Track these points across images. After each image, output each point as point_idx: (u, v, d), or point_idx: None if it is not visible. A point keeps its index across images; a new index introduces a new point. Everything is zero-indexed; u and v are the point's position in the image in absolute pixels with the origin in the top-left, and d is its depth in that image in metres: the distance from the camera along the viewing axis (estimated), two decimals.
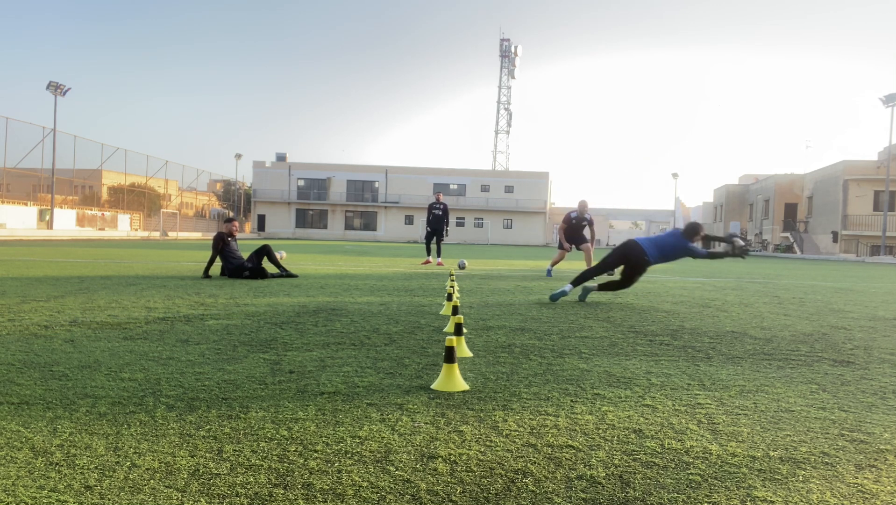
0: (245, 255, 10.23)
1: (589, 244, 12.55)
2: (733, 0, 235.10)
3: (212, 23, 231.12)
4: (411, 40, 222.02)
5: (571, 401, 2.97)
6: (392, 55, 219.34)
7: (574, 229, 12.54)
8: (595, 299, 7.85)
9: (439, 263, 15.02)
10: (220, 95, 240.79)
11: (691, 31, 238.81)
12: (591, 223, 12.58)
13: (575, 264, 14.34)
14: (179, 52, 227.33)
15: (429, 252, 15.58)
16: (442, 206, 15.19)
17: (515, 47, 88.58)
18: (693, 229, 7.54)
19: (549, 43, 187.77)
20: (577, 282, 7.74)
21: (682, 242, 7.48)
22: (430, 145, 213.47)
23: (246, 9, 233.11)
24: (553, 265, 13.03)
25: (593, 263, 7.88)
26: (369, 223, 73.29)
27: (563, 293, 7.58)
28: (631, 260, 7.56)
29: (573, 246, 12.62)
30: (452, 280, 7.48)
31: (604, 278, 9.56)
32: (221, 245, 9.80)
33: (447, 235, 15.44)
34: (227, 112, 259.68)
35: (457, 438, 2.40)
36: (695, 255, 7.47)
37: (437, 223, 15.20)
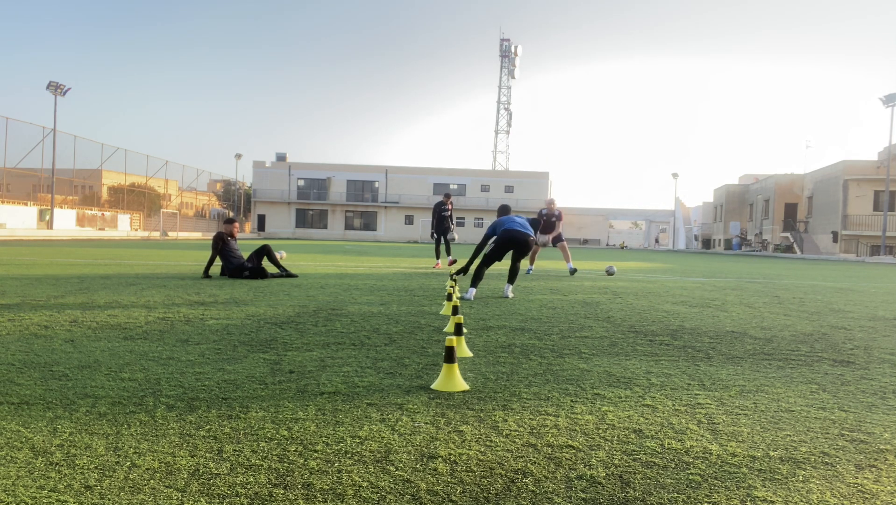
0: (245, 255, 10.23)
1: (564, 242, 13.52)
2: (735, 7, 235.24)
3: (213, 26, 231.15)
4: (411, 41, 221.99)
5: (571, 401, 2.97)
6: (392, 56, 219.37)
7: (546, 225, 13.51)
8: (601, 298, 7.84)
9: (452, 262, 14.34)
10: (221, 96, 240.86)
11: (693, 35, 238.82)
12: (559, 218, 13.44)
13: (559, 264, 14.34)
14: (180, 54, 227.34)
15: (438, 255, 14.82)
16: (449, 209, 14.62)
17: (515, 47, 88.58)
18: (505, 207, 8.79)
19: (550, 43, 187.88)
20: (475, 282, 7.83)
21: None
22: (431, 145, 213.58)
23: (247, 13, 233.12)
24: (532, 263, 13.46)
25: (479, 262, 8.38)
26: (369, 223, 73.31)
27: (468, 298, 7.63)
28: (520, 245, 8.15)
29: (551, 242, 13.46)
30: (452, 280, 7.47)
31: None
32: (221, 245, 9.80)
33: (454, 228, 14.92)
34: (227, 112, 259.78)
35: (457, 438, 2.40)
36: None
37: (442, 222, 14.55)
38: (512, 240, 8.27)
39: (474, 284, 7.98)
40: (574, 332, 5.10)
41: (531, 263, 13.41)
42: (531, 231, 8.37)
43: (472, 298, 7.84)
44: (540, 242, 13.27)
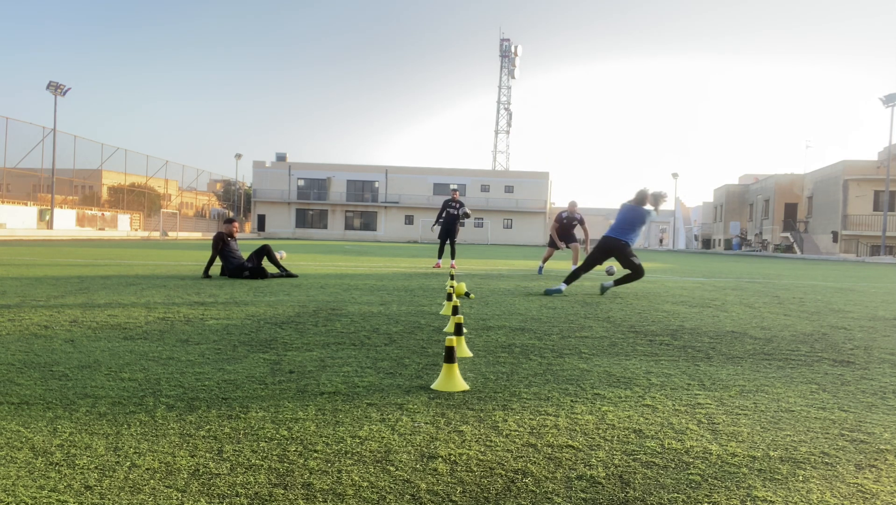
0: (245, 255, 10.23)
1: (577, 243, 13.30)
2: (735, 7, 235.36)
3: (212, 26, 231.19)
4: (411, 41, 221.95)
5: (571, 401, 2.97)
6: (392, 56, 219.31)
7: (565, 228, 13.28)
8: (601, 298, 7.85)
9: (452, 266, 13.94)
10: (221, 96, 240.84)
11: (693, 35, 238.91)
12: (581, 222, 13.29)
13: (562, 263, 14.28)
14: (180, 54, 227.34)
15: (441, 254, 14.56)
16: (457, 205, 14.32)
17: (515, 47, 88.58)
18: (643, 194, 8.50)
19: (550, 43, 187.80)
20: (569, 280, 8.51)
21: (638, 211, 8.39)
22: (431, 145, 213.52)
23: (247, 13, 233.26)
24: (544, 262, 13.45)
25: (580, 263, 8.73)
26: (369, 223, 73.31)
27: (559, 291, 8.26)
28: (615, 252, 8.36)
29: (565, 244, 13.28)
30: (452, 280, 7.48)
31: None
32: (221, 245, 9.80)
33: (464, 220, 14.77)
34: (227, 112, 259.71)
35: (457, 438, 2.40)
36: (649, 218, 8.46)
37: (451, 222, 14.28)
38: (600, 250, 8.45)
39: (567, 281, 8.47)
40: (574, 332, 5.10)
41: (543, 262, 13.39)
42: (624, 235, 8.33)
43: (562, 291, 8.33)
44: (567, 246, 13.22)
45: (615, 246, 8.29)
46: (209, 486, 1.91)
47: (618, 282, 8.47)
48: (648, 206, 8.38)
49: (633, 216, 8.35)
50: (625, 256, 8.30)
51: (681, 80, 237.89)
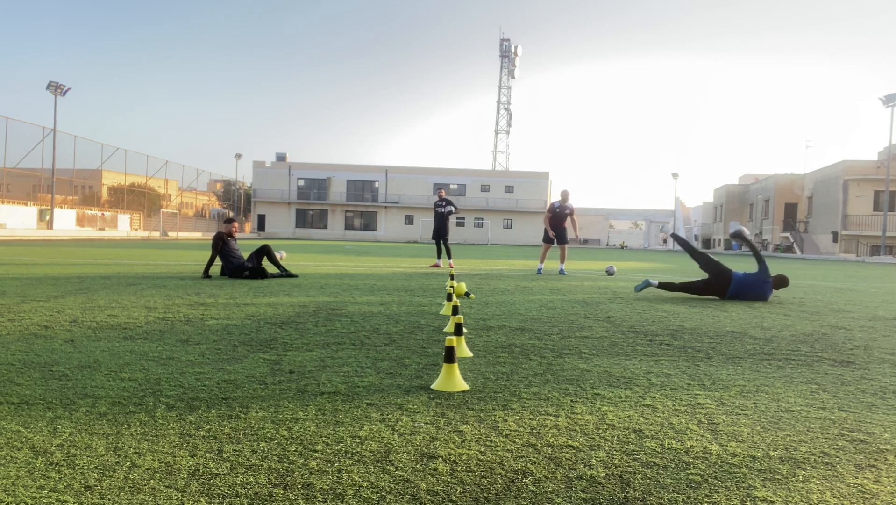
0: (245, 255, 10.23)
1: (566, 245, 13.44)
2: (735, 7, 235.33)
3: (213, 26, 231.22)
4: (411, 41, 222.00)
5: (571, 401, 2.97)
6: (392, 56, 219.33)
7: (558, 218, 13.34)
8: (601, 298, 7.85)
9: (451, 266, 13.94)
10: (221, 96, 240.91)
11: (693, 35, 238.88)
12: (571, 212, 13.43)
13: (557, 264, 14.26)
14: (180, 54, 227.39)
15: (439, 254, 14.59)
16: (443, 203, 14.40)
17: (515, 47, 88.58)
18: (783, 281, 8.51)
19: (550, 43, 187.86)
20: (662, 286, 8.49)
21: (764, 285, 8.25)
22: (431, 145, 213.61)
23: (247, 13, 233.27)
24: (542, 262, 13.49)
25: (682, 281, 8.68)
26: (369, 223, 73.31)
27: (647, 284, 8.39)
28: (721, 283, 8.32)
29: (556, 240, 13.33)
30: (452, 280, 7.49)
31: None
32: (221, 245, 9.80)
33: (455, 212, 14.62)
34: (228, 112, 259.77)
35: (457, 438, 2.40)
36: (765, 298, 8.27)
37: (440, 221, 14.41)
38: (714, 280, 8.34)
39: (661, 285, 8.45)
40: (574, 332, 5.10)
41: (541, 261, 13.44)
42: (735, 287, 8.23)
43: (650, 284, 8.37)
44: (554, 239, 13.28)
45: (724, 285, 8.26)
46: (209, 486, 1.91)
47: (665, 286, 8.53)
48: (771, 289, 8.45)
49: (757, 287, 8.30)
50: (706, 291, 8.38)
51: (681, 80, 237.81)
